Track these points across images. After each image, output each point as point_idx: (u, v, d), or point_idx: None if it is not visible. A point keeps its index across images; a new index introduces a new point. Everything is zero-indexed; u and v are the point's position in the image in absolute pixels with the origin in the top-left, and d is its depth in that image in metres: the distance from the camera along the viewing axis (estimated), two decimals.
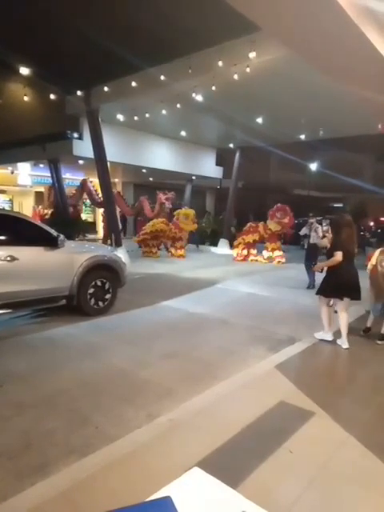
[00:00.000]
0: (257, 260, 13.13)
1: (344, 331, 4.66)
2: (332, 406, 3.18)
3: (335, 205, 26.61)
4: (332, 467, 2.42)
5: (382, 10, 4.80)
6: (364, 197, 23.40)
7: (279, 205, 12.55)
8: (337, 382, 3.86)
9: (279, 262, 12.71)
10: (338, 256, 4.41)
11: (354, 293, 4.58)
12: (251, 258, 13.20)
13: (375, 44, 5.13)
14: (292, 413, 3.07)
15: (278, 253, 12.85)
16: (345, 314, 4.69)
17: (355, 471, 2.40)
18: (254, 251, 13.25)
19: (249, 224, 13.27)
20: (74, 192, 16.61)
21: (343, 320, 4.67)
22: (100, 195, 15.38)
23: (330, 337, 4.69)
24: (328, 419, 2.97)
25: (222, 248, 15.88)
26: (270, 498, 2.09)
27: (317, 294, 4.80)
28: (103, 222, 16.61)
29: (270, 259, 12.82)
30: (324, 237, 7.43)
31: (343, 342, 4.63)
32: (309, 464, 2.45)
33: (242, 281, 9.44)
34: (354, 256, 4.68)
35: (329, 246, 4.81)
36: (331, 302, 4.93)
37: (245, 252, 13.10)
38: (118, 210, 15.75)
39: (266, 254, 12.96)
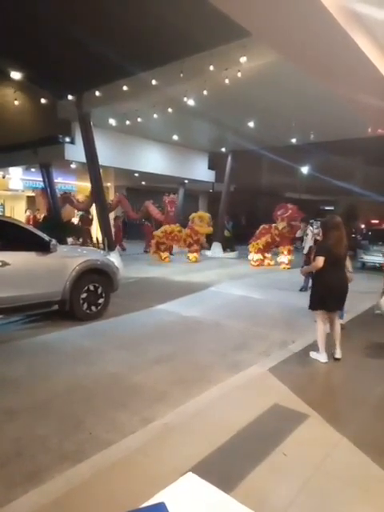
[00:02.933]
0: (271, 264, 12.64)
1: (337, 340, 4.34)
2: (325, 408, 3.19)
3: (326, 207, 26.81)
4: (326, 469, 2.43)
5: (369, 15, 4.88)
6: (355, 199, 23.62)
7: (281, 204, 12.45)
8: (330, 383, 3.88)
9: (284, 266, 12.23)
10: (319, 262, 4.07)
11: (338, 301, 4.27)
12: (267, 262, 12.76)
13: (363, 48, 5.21)
14: (286, 415, 3.07)
15: (286, 257, 12.33)
16: (337, 323, 4.39)
17: (349, 473, 2.41)
18: (268, 255, 12.85)
19: (261, 226, 12.95)
20: (85, 199, 16.66)
21: (336, 329, 4.35)
22: (108, 201, 15.56)
23: (324, 358, 4.26)
24: (321, 421, 2.98)
25: (216, 251, 15.91)
26: (264, 500, 2.09)
27: (309, 308, 4.43)
28: (114, 227, 16.81)
29: (291, 263, 12.25)
30: (316, 241, 7.49)
31: (336, 352, 4.32)
32: (303, 466, 2.45)
33: (235, 284, 9.45)
34: (343, 260, 4.34)
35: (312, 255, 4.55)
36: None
37: (259, 256, 12.63)
38: (112, 213, 15.84)
39: (284, 258, 12.38)
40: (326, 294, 4.21)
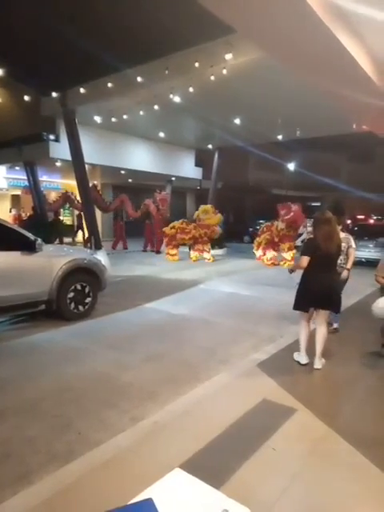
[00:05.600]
0: (279, 263, 12.32)
1: (319, 349, 3.96)
2: (313, 402, 3.24)
3: (313, 203, 27.10)
4: (314, 462, 2.47)
5: (353, 13, 4.93)
6: (340, 195, 23.94)
7: (285, 203, 12.18)
8: (317, 379, 3.93)
9: (286, 262, 11.73)
10: (302, 262, 3.82)
11: (326, 301, 3.96)
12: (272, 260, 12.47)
13: (345, 45, 5.28)
14: (275, 410, 3.11)
15: (291, 253, 11.99)
16: (322, 328, 4.00)
17: (338, 466, 2.45)
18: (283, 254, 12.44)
19: (265, 224, 12.84)
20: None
21: (319, 335, 3.98)
22: (106, 200, 15.49)
23: (304, 360, 4.02)
24: (310, 415, 3.02)
25: None
26: (253, 495, 2.11)
27: (293, 308, 4.11)
28: (115, 226, 16.79)
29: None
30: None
31: (315, 362, 3.95)
32: (291, 460, 2.48)
33: (223, 281, 9.49)
34: (335, 258, 3.98)
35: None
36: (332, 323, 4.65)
37: (271, 254, 12.30)
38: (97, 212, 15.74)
39: (286, 255, 12.19)
40: (311, 294, 3.93)
